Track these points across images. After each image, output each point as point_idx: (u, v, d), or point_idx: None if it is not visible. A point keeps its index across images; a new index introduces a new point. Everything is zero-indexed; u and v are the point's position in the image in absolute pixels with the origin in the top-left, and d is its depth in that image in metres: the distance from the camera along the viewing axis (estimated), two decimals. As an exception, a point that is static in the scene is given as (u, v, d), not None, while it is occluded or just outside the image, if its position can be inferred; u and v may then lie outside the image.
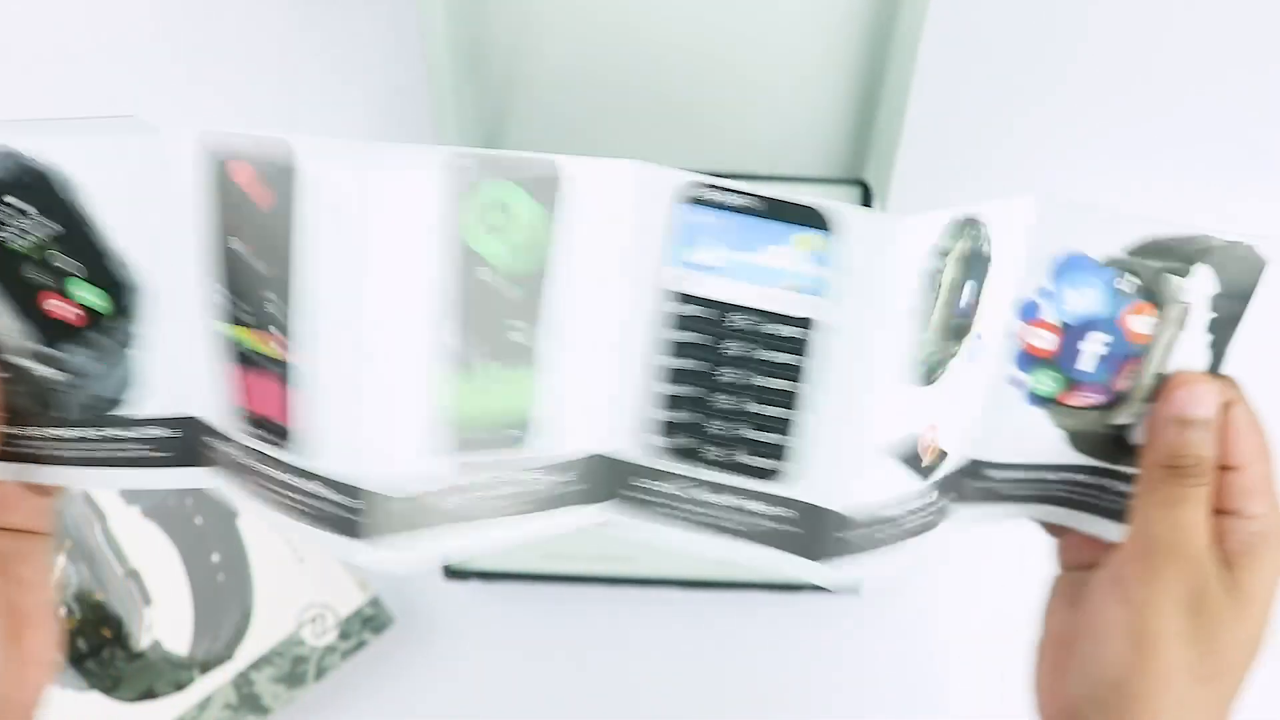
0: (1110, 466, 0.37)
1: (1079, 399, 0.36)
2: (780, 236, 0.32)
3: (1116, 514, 0.37)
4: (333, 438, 0.32)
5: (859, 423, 0.33)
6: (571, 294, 0.33)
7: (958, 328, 0.34)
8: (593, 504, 0.35)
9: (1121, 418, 0.36)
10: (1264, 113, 0.62)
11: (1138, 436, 0.36)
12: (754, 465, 0.34)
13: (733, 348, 0.33)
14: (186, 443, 0.35)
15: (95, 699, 0.57)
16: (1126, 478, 0.37)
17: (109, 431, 0.35)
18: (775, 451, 0.34)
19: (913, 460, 0.35)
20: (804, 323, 0.33)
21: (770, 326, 0.33)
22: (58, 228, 0.32)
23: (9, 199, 0.32)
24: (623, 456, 0.35)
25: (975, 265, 0.33)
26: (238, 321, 0.32)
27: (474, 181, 0.31)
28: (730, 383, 0.34)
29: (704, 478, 0.35)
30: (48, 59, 0.61)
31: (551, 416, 0.34)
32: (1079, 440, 0.37)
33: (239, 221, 0.31)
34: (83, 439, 0.35)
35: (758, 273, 0.32)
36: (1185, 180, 0.61)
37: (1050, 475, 0.37)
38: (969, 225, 0.32)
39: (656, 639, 0.61)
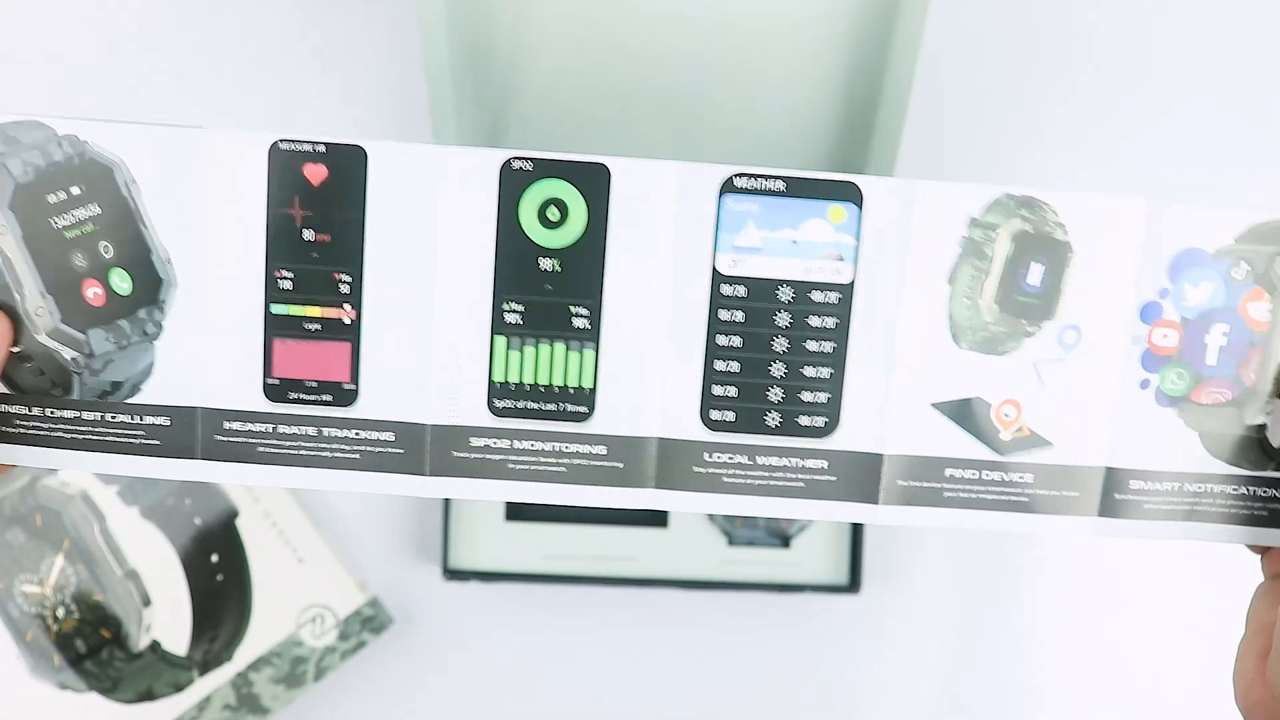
0: (1255, 474, 0.37)
1: (1209, 395, 0.37)
2: (816, 211, 0.35)
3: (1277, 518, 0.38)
4: (400, 392, 0.36)
5: (892, 372, 0.37)
6: (629, 283, 0.36)
7: (1025, 306, 0.36)
8: (644, 488, 0.37)
9: (1255, 416, 0.37)
10: (1268, 113, 0.62)
11: (1276, 438, 0.37)
12: (811, 425, 0.37)
13: (783, 319, 0.36)
14: (178, 433, 0.36)
15: (94, 700, 0.57)
16: (1272, 482, 0.37)
17: (112, 417, 0.36)
18: (828, 409, 0.37)
19: (977, 427, 0.37)
20: (843, 287, 0.36)
21: (815, 294, 0.36)
22: (113, 220, 0.34)
23: (74, 188, 0.34)
24: (687, 436, 0.37)
25: (1042, 248, 0.36)
26: (305, 301, 0.36)
27: (531, 179, 0.35)
28: (784, 351, 0.36)
29: (768, 444, 0.37)
30: (42, 58, 0.61)
31: (614, 397, 0.37)
32: (1215, 444, 0.37)
33: (308, 212, 0.35)
34: (83, 421, 0.36)
35: (799, 247, 0.36)
36: (1188, 181, 0.61)
37: (1192, 486, 0.38)
38: (1024, 206, 0.35)
39: (656, 639, 0.61)
